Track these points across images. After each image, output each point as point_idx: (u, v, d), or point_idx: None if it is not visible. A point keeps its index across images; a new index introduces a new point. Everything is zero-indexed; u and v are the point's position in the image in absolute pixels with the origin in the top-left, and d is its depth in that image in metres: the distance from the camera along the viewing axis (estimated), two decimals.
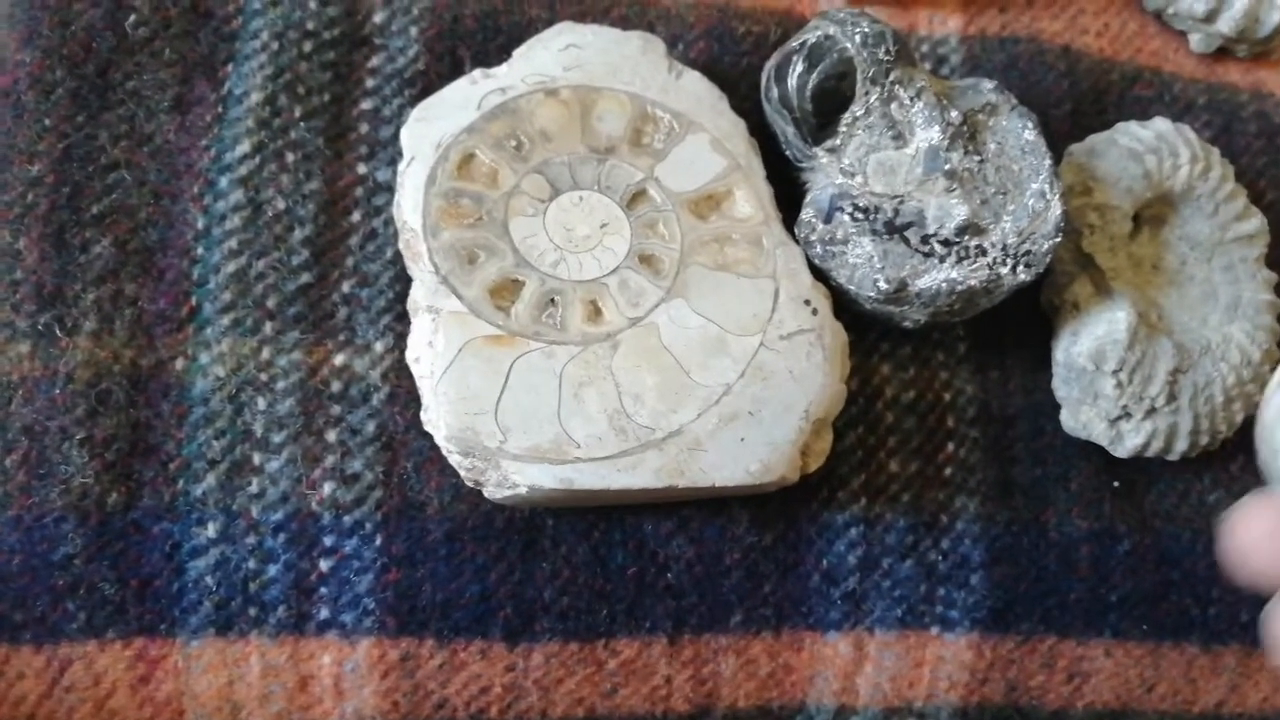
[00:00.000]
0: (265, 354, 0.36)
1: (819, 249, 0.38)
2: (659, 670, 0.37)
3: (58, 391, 0.35)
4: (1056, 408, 0.41)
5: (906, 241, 0.37)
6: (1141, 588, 0.40)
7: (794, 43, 0.39)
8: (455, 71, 0.39)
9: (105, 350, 0.35)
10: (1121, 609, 0.40)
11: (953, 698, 0.39)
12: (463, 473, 0.34)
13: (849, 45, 0.38)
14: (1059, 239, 0.37)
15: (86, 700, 0.34)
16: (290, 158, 0.38)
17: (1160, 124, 0.43)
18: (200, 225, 0.37)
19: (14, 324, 0.35)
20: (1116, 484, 0.41)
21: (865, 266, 0.37)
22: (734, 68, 0.42)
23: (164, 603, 0.34)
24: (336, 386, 0.37)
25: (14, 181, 0.36)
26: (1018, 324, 0.42)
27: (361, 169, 0.39)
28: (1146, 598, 0.40)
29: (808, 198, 0.39)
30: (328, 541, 0.35)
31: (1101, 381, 0.39)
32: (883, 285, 0.37)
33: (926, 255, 0.37)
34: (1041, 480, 0.41)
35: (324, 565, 0.35)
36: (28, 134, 0.37)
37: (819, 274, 0.38)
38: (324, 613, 0.35)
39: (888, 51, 0.38)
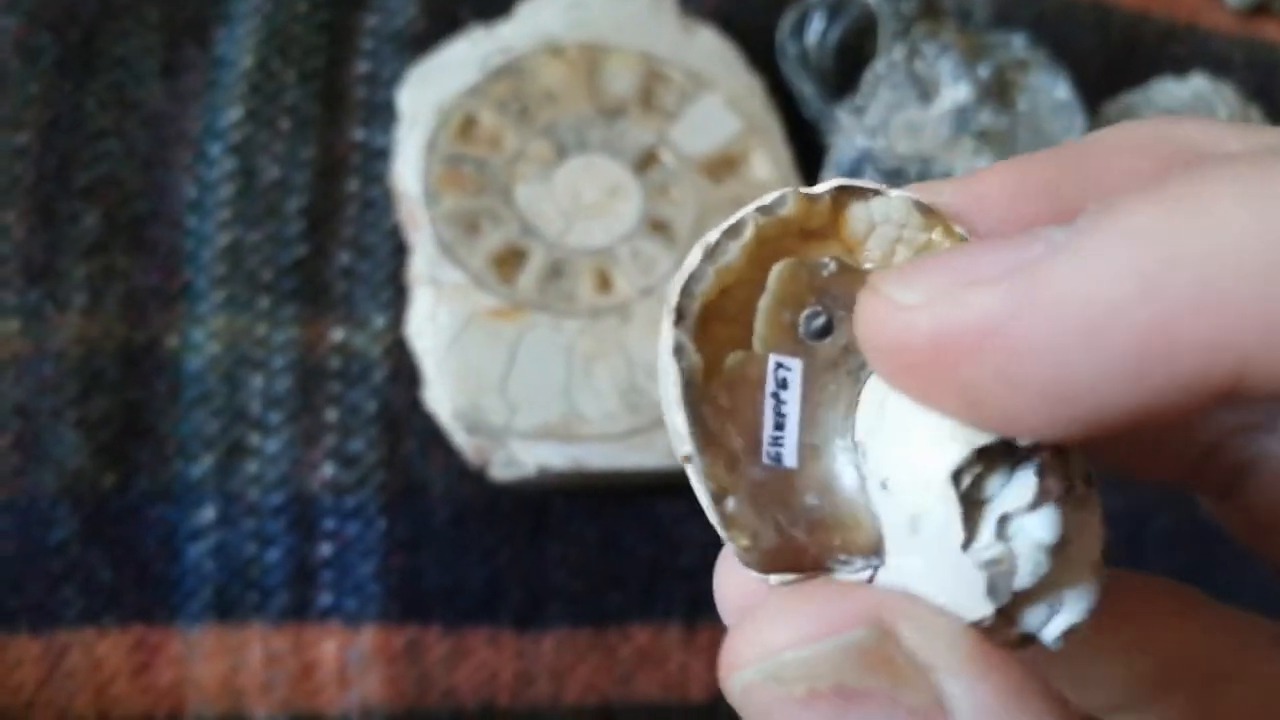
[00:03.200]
0: (261, 330, 0.35)
1: None
2: (674, 657, 0.36)
3: (49, 370, 0.34)
4: None
5: None
6: (1177, 565, 0.39)
7: None
8: (455, 31, 0.38)
9: (96, 326, 0.35)
10: None
11: None
12: (468, 452, 0.33)
13: None
14: None
15: (86, 688, 0.33)
16: (284, 124, 0.37)
17: (1198, 81, 0.41)
18: (192, 196, 0.36)
19: (3, 300, 0.34)
20: None
21: None
22: (750, 23, 0.41)
23: (162, 588, 0.33)
24: (335, 363, 0.35)
25: (0, 152, 0.35)
26: None
27: (358, 134, 0.37)
28: (1182, 575, 0.39)
29: (829, 161, 0.37)
30: (329, 525, 0.34)
31: None
32: None
33: None
34: None
35: (325, 549, 0.34)
36: (12, 102, 0.36)
37: None
38: (327, 598, 0.34)
39: (911, 4, 0.36)
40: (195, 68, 0.37)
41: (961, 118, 0.36)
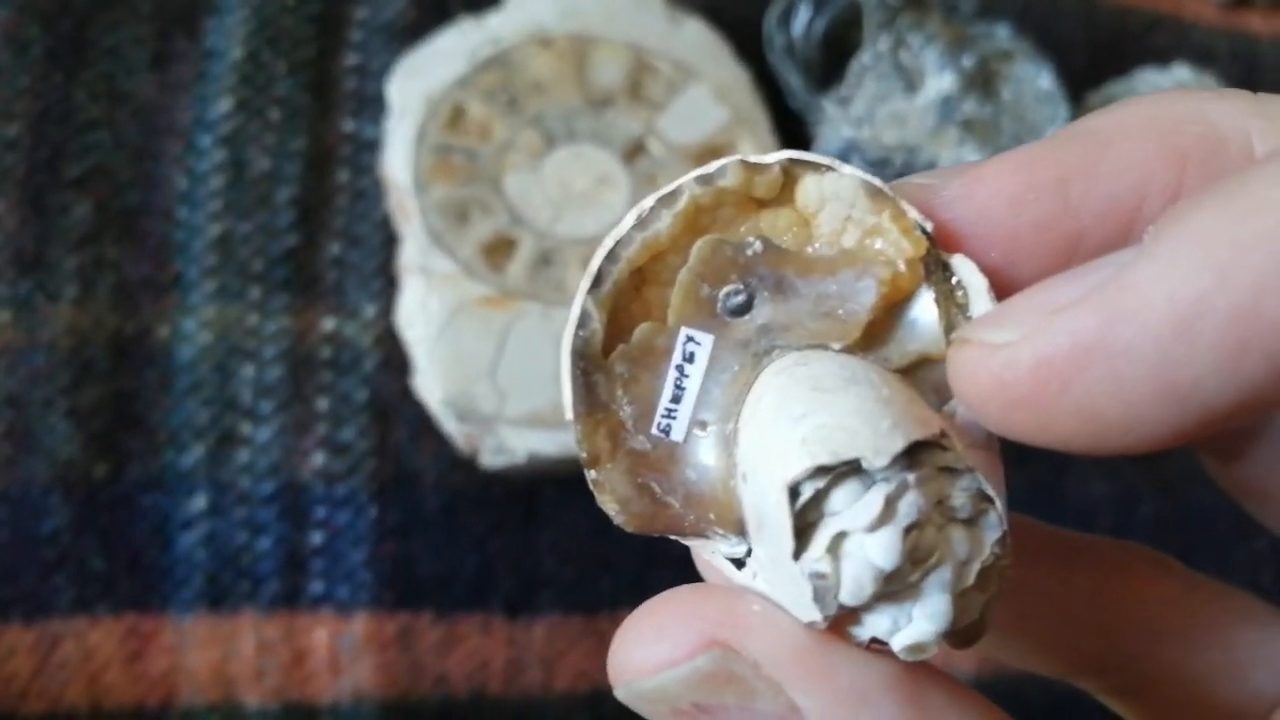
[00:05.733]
0: (251, 320, 0.35)
1: None
2: None
3: (40, 360, 0.34)
4: None
5: None
6: (1162, 551, 0.39)
7: None
8: (444, 22, 0.38)
9: (87, 317, 0.34)
10: None
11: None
12: (458, 440, 0.33)
13: None
14: None
15: (78, 677, 0.33)
16: (274, 115, 0.37)
17: (1181, 72, 0.41)
18: (182, 187, 0.36)
19: None
20: None
21: None
22: (737, 14, 0.41)
23: (154, 577, 0.33)
24: (326, 353, 0.35)
25: None
26: None
27: (348, 125, 0.37)
28: None
29: (815, 150, 0.37)
30: (320, 513, 0.34)
31: None
32: None
33: None
34: None
35: (317, 537, 0.34)
36: (3, 94, 0.36)
37: None
38: (318, 586, 0.34)
39: None
40: (185, 59, 0.37)
41: (946, 107, 0.36)
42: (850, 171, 0.14)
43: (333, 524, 0.34)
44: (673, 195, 0.14)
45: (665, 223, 0.14)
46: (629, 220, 0.14)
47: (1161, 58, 0.45)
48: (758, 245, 0.14)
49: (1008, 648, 0.17)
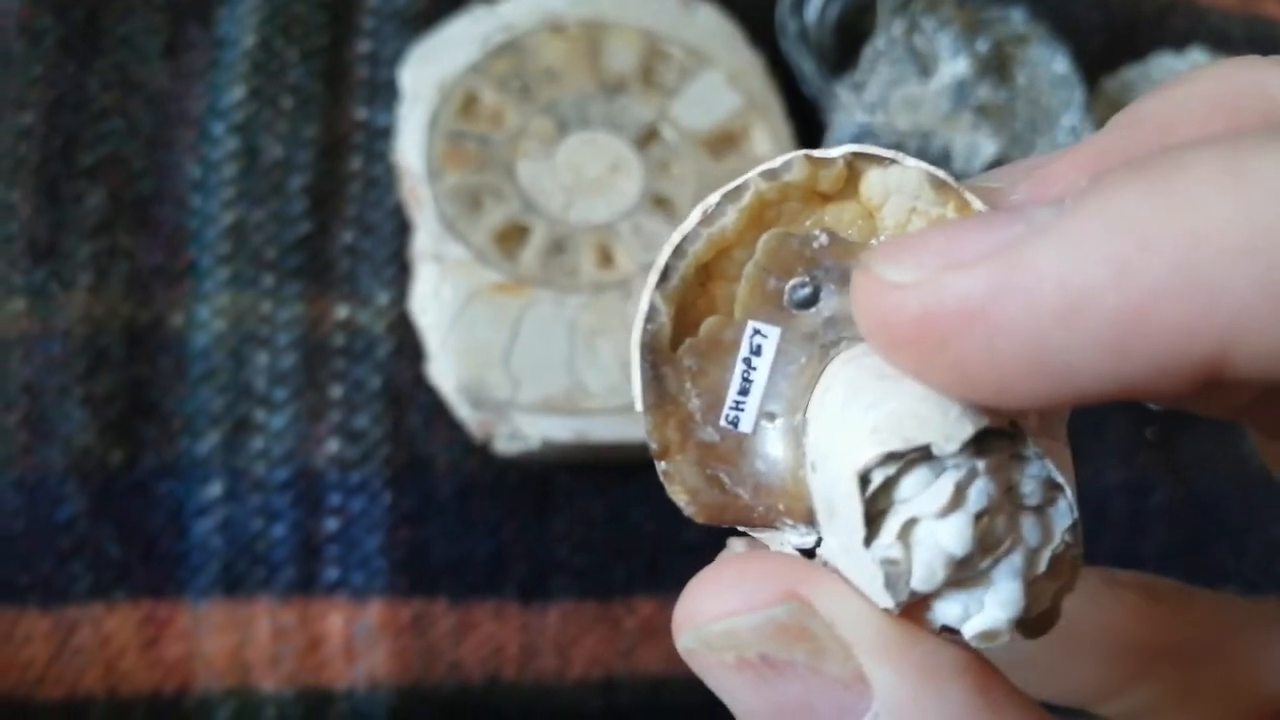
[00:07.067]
0: (265, 307, 0.35)
1: None
2: None
3: (56, 348, 0.34)
4: None
5: None
6: (1176, 539, 0.39)
7: None
8: (456, 9, 0.38)
9: (102, 305, 0.35)
10: (1156, 561, 0.39)
11: None
12: (472, 426, 0.33)
13: None
14: None
15: (95, 663, 0.33)
16: (287, 102, 0.37)
17: (1197, 56, 0.41)
18: (196, 175, 0.36)
19: (9, 279, 0.34)
20: (1150, 434, 0.40)
21: None
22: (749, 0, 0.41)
23: (170, 563, 0.34)
24: (339, 340, 0.36)
25: (4, 132, 0.36)
26: None
27: (361, 113, 0.37)
28: (1181, 549, 0.39)
29: (829, 137, 0.37)
30: (334, 500, 0.34)
31: None
32: None
33: None
34: (1073, 430, 0.39)
35: (331, 524, 0.34)
36: (17, 83, 0.36)
37: None
38: (333, 573, 0.34)
39: None
40: (198, 47, 0.37)
41: (960, 92, 0.36)
42: (914, 164, 0.14)
43: (347, 510, 0.34)
44: (738, 191, 0.14)
45: (731, 218, 0.14)
46: (695, 217, 0.14)
47: (1177, 42, 0.44)
48: (823, 238, 0.14)
49: (1017, 678, 0.17)
